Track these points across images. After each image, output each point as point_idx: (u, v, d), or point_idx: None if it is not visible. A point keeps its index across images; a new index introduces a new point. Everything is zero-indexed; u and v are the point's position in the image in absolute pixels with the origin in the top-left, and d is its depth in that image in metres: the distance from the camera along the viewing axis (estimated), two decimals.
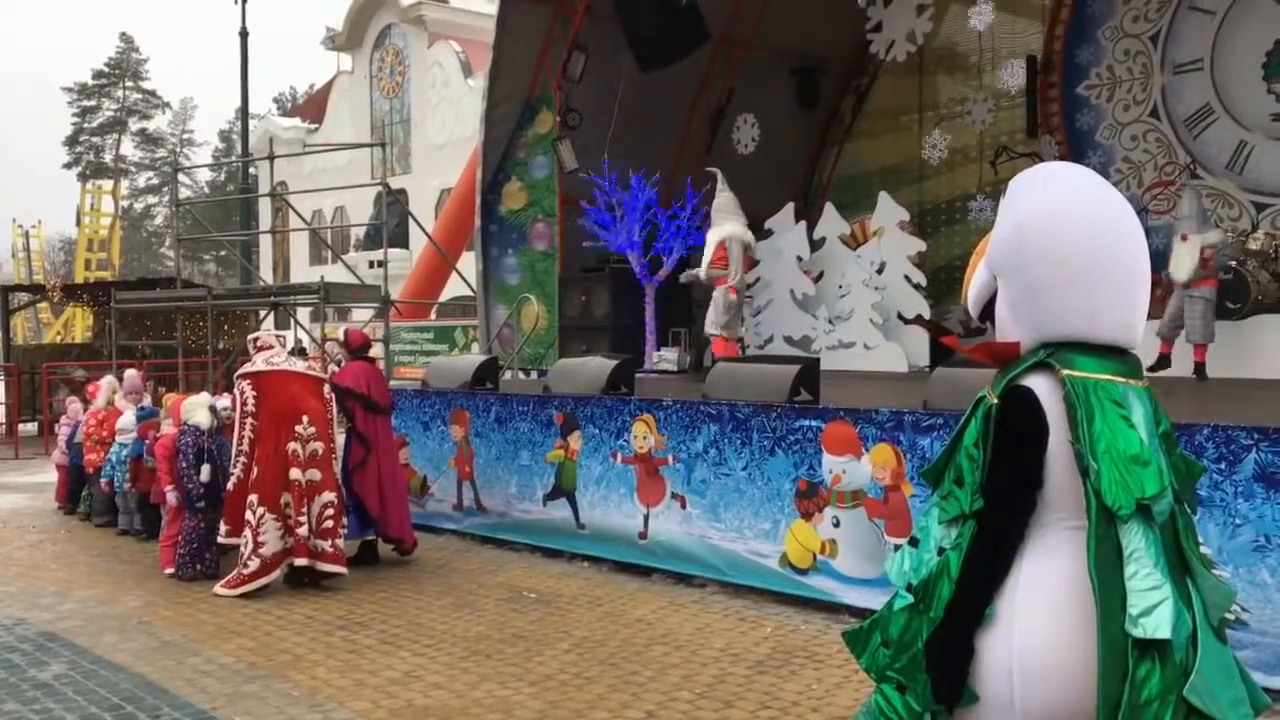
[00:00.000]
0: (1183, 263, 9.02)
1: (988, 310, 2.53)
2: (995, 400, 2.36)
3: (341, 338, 8.87)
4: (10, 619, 6.49)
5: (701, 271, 10.95)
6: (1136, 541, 2.19)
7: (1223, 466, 4.89)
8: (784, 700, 4.89)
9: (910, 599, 2.40)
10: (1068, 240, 2.32)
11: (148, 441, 8.58)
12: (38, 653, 5.77)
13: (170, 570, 7.49)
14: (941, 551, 2.37)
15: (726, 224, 10.82)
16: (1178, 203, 9.93)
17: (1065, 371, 2.29)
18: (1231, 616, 2.45)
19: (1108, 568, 2.17)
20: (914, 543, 2.48)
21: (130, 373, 10.30)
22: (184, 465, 7.48)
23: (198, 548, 7.46)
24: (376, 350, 17.21)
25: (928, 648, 2.32)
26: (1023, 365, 2.36)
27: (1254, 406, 6.62)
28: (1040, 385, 2.31)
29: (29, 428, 18.05)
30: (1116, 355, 2.35)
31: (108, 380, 10.11)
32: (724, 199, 11.03)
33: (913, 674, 2.34)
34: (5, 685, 5.24)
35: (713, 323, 10.86)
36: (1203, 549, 2.42)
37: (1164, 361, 9.24)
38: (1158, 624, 2.13)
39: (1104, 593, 2.16)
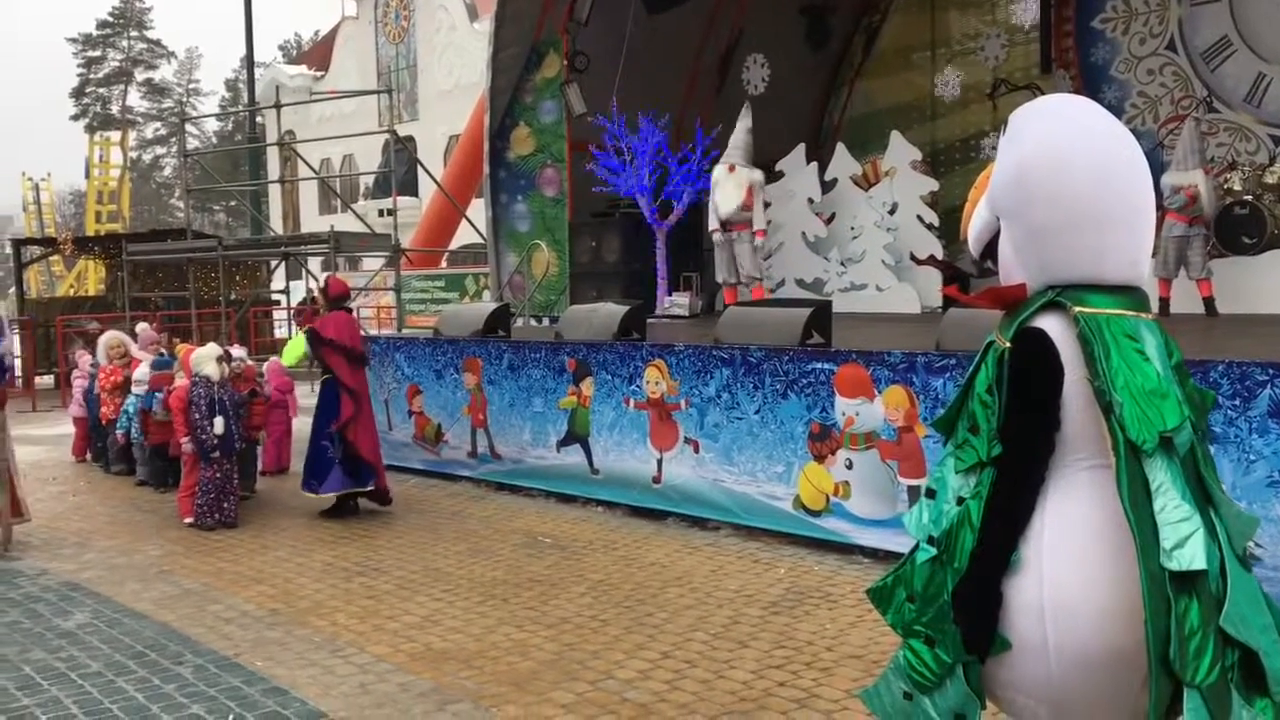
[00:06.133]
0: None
1: (989, 248, 2.50)
2: (1007, 344, 2.33)
3: (321, 284, 8.51)
4: (33, 569, 6.58)
5: (726, 215, 10.70)
6: (1162, 475, 2.17)
7: (1237, 403, 4.87)
8: (798, 640, 4.93)
9: (933, 551, 2.37)
10: (1073, 183, 2.28)
11: (162, 393, 8.64)
12: (61, 602, 5.86)
13: (189, 520, 7.57)
14: (961, 501, 2.34)
15: (750, 167, 10.75)
16: (1179, 136, 9.83)
17: (1077, 309, 2.26)
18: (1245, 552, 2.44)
19: (1139, 502, 2.15)
20: (930, 494, 2.45)
21: (141, 325, 10.36)
22: (197, 417, 7.53)
23: (215, 497, 7.53)
24: (389, 299, 17.20)
25: (955, 598, 2.30)
26: (1032, 306, 2.33)
27: (1269, 342, 6.58)
28: (1052, 325, 2.28)
29: (45, 380, 18.20)
30: (1125, 291, 2.33)
31: (104, 339, 10.10)
32: (746, 139, 10.84)
33: (941, 626, 2.32)
34: (31, 634, 5.32)
35: (754, 269, 10.76)
36: None
37: (1164, 306, 9.16)
38: (1192, 555, 2.11)
39: (1140, 528, 2.14)
